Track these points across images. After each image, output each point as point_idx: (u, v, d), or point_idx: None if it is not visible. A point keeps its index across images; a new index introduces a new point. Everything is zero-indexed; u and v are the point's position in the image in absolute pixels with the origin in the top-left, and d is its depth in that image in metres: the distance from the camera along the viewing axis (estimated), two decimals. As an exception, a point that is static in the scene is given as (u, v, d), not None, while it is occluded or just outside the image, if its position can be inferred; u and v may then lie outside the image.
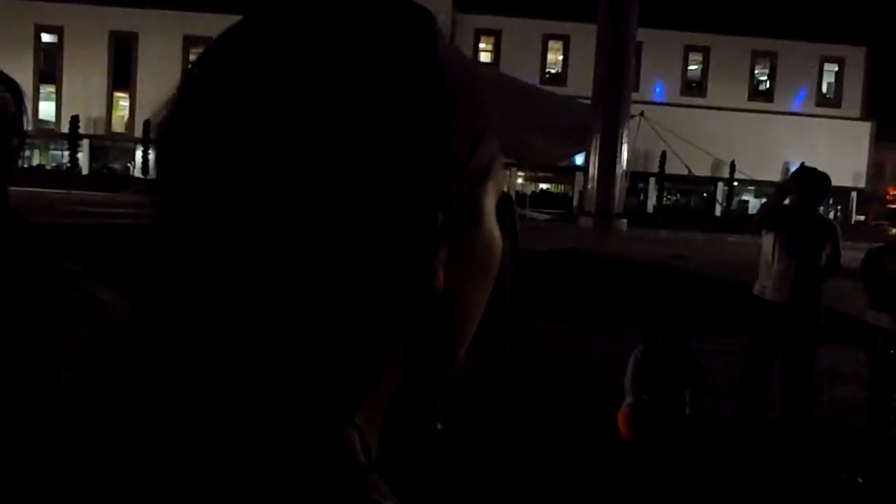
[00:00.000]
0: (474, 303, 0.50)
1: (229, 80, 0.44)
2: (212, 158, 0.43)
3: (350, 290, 0.42)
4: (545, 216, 34.37)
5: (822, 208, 5.02)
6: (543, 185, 46.29)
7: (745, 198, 45.59)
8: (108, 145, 44.40)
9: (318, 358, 0.43)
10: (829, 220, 5.25)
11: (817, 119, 44.46)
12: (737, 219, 37.13)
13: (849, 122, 44.61)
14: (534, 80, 37.52)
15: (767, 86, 46.17)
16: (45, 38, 44.57)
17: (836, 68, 45.89)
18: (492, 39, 45.19)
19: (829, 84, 46.37)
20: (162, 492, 0.42)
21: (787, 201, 4.96)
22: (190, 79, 0.46)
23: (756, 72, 46.11)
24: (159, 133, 0.47)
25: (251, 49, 0.45)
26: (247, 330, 0.43)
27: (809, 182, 4.80)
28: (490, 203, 0.50)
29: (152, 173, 0.48)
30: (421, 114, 0.44)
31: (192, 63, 0.47)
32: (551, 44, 45.27)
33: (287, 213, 0.42)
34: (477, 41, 44.79)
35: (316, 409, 0.44)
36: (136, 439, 0.44)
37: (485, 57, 44.05)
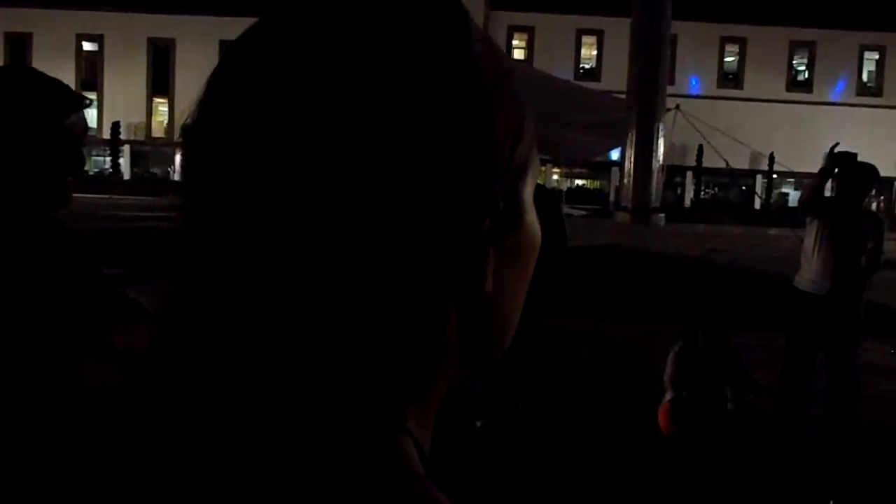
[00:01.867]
0: (517, 296, 0.50)
1: (259, 81, 0.42)
2: (247, 164, 0.42)
3: (398, 296, 0.42)
4: (581, 212, 34.17)
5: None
6: (579, 181, 46.02)
7: (784, 190, 44.89)
8: (149, 150, 45.08)
9: (368, 364, 0.42)
10: (874, 213, 5.17)
11: (858, 108, 43.63)
12: (776, 212, 36.56)
13: (891, 110, 43.66)
14: (568, 75, 37.35)
15: (806, 76, 45.38)
16: (86, 46, 45.39)
17: (877, 56, 44.97)
18: (525, 36, 45.02)
19: (869, 73, 45.44)
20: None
21: (828, 191, 4.89)
22: (217, 79, 0.45)
23: (794, 62, 45.34)
24: (186, 135, 0.45)
25: (282, 48, 0.43)
26: (294, 336, 0.42)
27: (852, 170, 4.71)
28: (529, 194, 0.50)
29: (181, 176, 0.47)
30: (461, 115, 0.42)
31: (218, 63, 0.46)
32: (585, 39, 44.96)
33: (331, 219, 0.40)
34: (510, 38, 44.65)
35: (367, 416, 0.43)
36: (181, 451, 0.43)
37: (518, 54, 43.93)
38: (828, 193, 4.95)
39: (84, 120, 1.63)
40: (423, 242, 0.41)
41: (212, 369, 0.45)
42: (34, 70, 1.62)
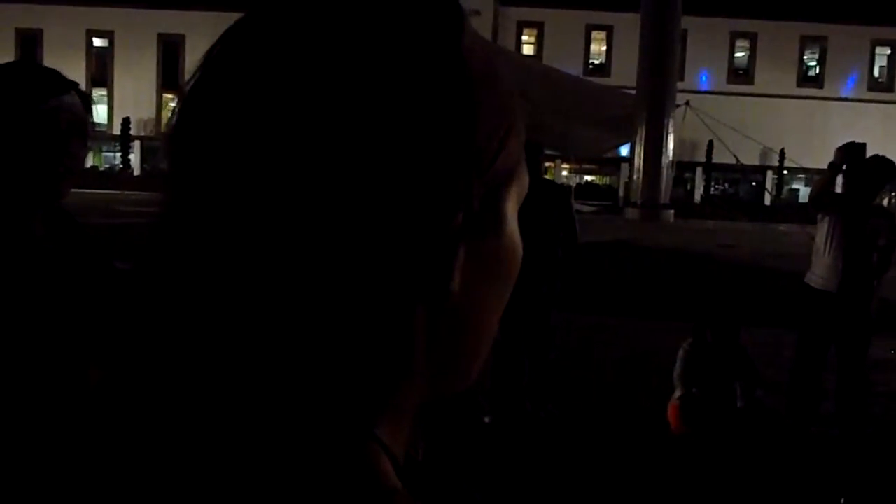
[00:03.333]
0: (492, 309, 0.48)
1: (241, 73, 0.42)
2: (218, 158, 0.41)
3: (363, 291, 0.41)
4: (591, 208, 34.09)
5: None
6: (588, 177, 45.90)
7: (795, 186, 44.70)
8: (159, 146, 45.12)
9: (333, 366, 0.41)
10: (886, 209, 5.14)
11: (869, 104, 43.37)
12: (786, 208, 36.42)
13: (902, 106, 43.44)
14: (577, 71, 37.27)
15: (817, 71, 45.13)
16: (97, 42, 45.53)
17: (889, 51, 44.69)
18: (534, 31, 44.90)
19: (880, 68, 45.18)
20: None
21: (839, 186, 4.86)
22: (202, 71, 0.45)
23: (805, 57, 45.11)
24: (171, 127, 0.45)
25: (265, 39, 0.43)
26: (256, 337, 0.41)
27: (862, 163, 4.67)
28: (512, 207, 0.48)
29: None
30: (444, 108, 0.42)
31: (204, 56, 0.45)
32: (594, 34, 44.81)
33: (298, 211, 0.40)
34: (519, 34, 44.56)
35: (337, 425, 0.42)
36: (142, 473, 0.42)
37: (528, 49, 43.83)
38: (841, 189, 4.93)
39: (72, 107, 1.53)
40: (391, 234, 0.40)
41: (178, 376, 0.43)
42: (19, 61, 1.56)
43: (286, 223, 0.40)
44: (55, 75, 1.54)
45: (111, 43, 45.29)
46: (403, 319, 0.42)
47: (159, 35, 44.84)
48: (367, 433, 0.43)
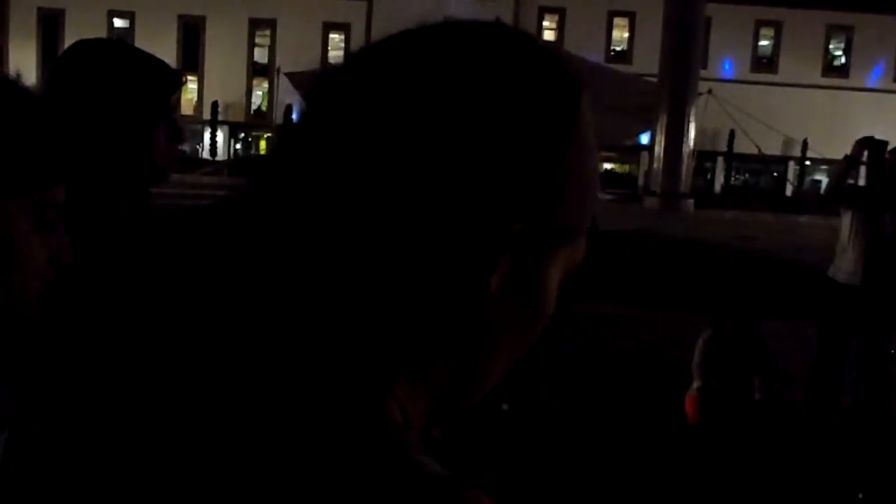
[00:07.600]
0: (517, 337, 0.51)
1: (373, 83, 0.47)
2: (329, 151, 0.46)
3: (411, 271, 0.44)
4: (610, 196, 33.93)
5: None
6: (608, 165, 45.64)
7: (817, 178, 44.23)
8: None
9: (367, 330, 0.45)
10: None
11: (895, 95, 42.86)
12: (809, 199, 36.09)
13: (929, 97, 42.84)
14: (599, 58, 36.93)
15: (843, 61, 44.57)
16: (118, 23, 45.67)
17: (917, 42, 44.08)
18: (556, 17, 44.55)
19: (908, 58, 44.61)
20: (206, 462, 0.44)
21: (861, 180, 4.79)
22: (331, 74, 0.50)
23: (831, 46, 44.54)
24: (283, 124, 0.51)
25: (402, 61, 0.48)
26: (306, 305, 0.45)
27: (883, 158, 4.60)
28: (557, 268, 0.52)
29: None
30: (543, 133, 0.47)
31: (336, 63, 0.51)
32: (616, 21, 44.43)
33: (376, 200, 0.44)
34: (541, 19, 44.22)
35: (357, 380, 0.45)
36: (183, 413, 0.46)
37: (549, 36, 43.49)
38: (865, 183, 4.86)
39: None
40: (453, 228, 0.44)
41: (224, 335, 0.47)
42: (137, 49, 1.75)
43: (362, 216, 0.44)
44: (170, 67, 1.75)
45: (132, 24, 45.40)
46: (441, 299, 0.46)
47: (179, 16, 44.92)
48: (386, 389, 0.46)
